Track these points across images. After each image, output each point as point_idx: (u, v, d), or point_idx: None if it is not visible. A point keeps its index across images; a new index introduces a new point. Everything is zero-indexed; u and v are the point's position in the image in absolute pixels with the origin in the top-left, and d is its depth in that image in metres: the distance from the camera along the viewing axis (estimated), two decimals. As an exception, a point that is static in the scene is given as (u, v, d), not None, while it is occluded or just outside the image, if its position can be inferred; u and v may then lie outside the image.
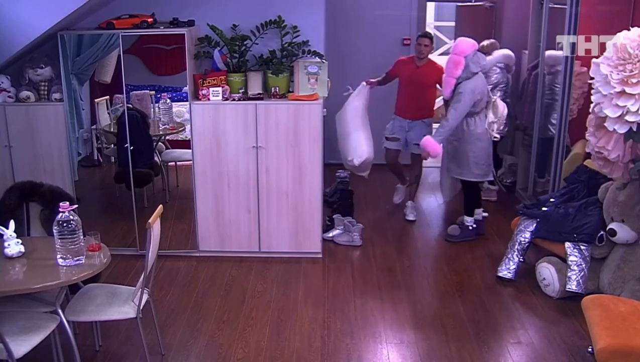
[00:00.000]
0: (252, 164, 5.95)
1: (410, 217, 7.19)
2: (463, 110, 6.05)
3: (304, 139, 5.88)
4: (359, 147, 6.52)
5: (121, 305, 4.27)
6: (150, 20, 5.79)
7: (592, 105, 4.71)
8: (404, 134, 6.99)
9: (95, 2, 5.62)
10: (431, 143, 6.07)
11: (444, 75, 6.23)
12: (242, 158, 5.94)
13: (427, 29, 9.18)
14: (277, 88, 5.99)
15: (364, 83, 6.74)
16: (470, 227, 6.59)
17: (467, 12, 9.13)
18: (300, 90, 6.00)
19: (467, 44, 6.10)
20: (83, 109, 6.25)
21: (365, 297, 5.52)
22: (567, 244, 5.32)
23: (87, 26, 5.98)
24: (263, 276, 5.88)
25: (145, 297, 4.33)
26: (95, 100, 6.56)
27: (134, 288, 4.37)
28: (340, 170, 7.12)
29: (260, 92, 6.04)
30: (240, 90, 6.00)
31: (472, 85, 6.03)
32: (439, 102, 8.11)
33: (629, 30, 4.47)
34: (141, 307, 4.26)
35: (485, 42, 7.42)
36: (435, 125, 6.84)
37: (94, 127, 6.69)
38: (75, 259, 4.02)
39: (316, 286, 5.70)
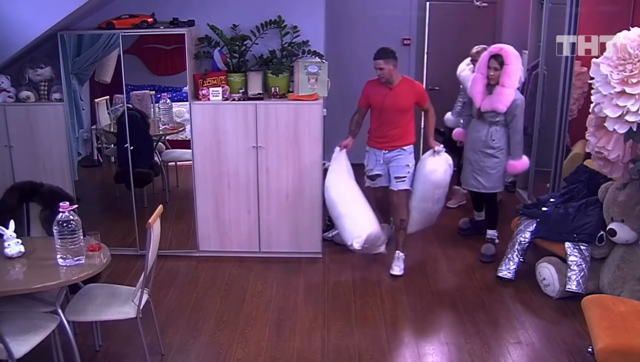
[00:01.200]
0: (252, 164, 5.95)
1: (396, 271, 5.91)
2: (522, 118, 5.91)
3: (304, 139, 5.88)
4: (354, 228, 5.69)
5: (121, 305, 4.27)
6: (150, 20, 5.79)
7: (592, 105, 4.71)
8: (384, 167, 5.93)
9: (95, 2, 5.62)
10: (516, 163, 5.96)
11: (504, 88, 5.73)
12: (242, 158, 5.94)
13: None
14: (277, 88, 5.99)
15: (337, 149, 5.89)
16: (497, 240, 6.33)
17: (456, 10, 8.96)
18: (300, 90, 5.99)
19: (516, 52, 5.83)
20: (83, 109, 6.25)
21: (364, 297, 5.51)
22: (567, 244, 5.32)
23: (87, 26, 5.98)
24: (263, 275, 5.87)
25: (145, 297, 4.33)
26: (95, 100, 6.57)
27: (134, 288, 4.37)
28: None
29: (260, 92, 6.04)
30: (240, 90, 6.00)
31: (519, 93, 5.89)
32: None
33: (629, 30, 4.47)
34: (141, 307, 4.26)
35: (477, 48, 6.76)
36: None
37: (94, 127, 6.70)
38: (75, 259, 4.02)
39: (316, 286, 5.70)
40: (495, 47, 5.89)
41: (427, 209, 6.02)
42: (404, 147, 5.84)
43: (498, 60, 5.76)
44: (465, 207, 7.43)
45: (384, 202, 6.10)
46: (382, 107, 5.78)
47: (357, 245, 5.63)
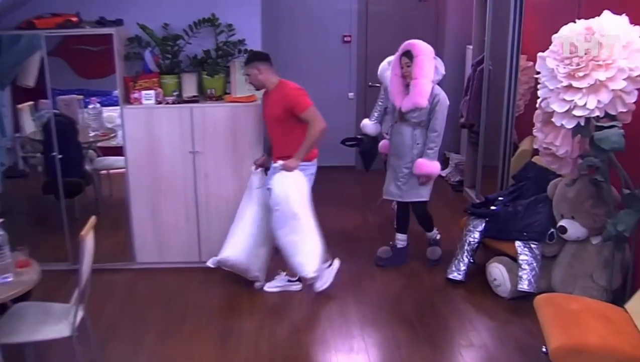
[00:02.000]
0: (190, 170, 5.80)
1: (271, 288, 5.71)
2: (444, 117, 5.65)
3: (243, 142, 5.76)
4: (224, 246, 5.53)
5: (55, 323, 4.06)
6: (74, 19, 5.57)
7: (538, 100, 4.69)
8: None
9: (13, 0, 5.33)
10: (427, 163, 5.60)
11: (418, 80, 5.52)
12: (179, 164, 5.78)
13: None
14: (213, 90, 5.85)
15: (253, 167, 5.61)
16: (438, 236, 6.22)
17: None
18: (238, 91, 5.83)
19: (426, 44, 5.65)
20: (5, 116, 6.10)
21: (311, 304, 5.44)
22: (518, 243, 5.31)
23: (6, 26, 5.66)
24: (205, 285, 5.74)
25: (80, 314, 4.12)
26: (18, 106, 6.34)
27: (69, 305, 4.18)
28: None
29: (196, 94, 5.89)
30: (174, 93, 5.81)
31: (440, 89, 5.68)
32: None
33: (575, 23, 4.44)
34: (77, 325, 4.06)
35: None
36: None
37: (17, 135, 6.47)
38: (2, 277, 3.86)
39: (260, 295, 5.60)
40: (404, 45, 5.73)
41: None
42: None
43: (408, 56, 5.63)
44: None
45: None
46: (265, 116, 5.55)
47: (209, 263, 5.52)
